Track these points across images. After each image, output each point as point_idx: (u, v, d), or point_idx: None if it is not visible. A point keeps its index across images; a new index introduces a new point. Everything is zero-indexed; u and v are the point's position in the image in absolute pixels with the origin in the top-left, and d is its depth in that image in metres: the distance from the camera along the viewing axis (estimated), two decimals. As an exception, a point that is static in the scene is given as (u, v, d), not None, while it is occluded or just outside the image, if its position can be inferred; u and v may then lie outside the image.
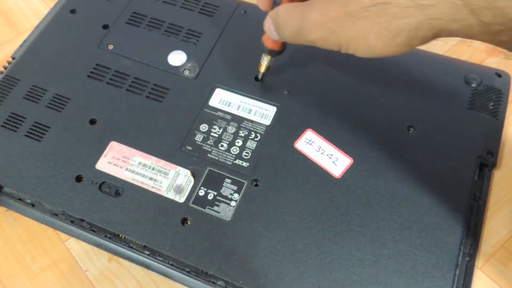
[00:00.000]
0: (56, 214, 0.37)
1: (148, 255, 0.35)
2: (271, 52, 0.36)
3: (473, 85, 0.39)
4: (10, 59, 0.43)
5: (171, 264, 0.35)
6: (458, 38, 0.49)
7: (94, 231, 0.36)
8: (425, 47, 0.43)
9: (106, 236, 0.36)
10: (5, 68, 0.43)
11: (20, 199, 0.38)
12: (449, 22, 0.20)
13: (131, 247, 0.36)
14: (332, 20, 0.24)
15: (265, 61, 0.38)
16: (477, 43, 0.49)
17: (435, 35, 0.22)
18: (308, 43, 0.27)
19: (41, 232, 0.38)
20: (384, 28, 0.22)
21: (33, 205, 0.37)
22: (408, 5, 0.21)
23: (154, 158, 0.37)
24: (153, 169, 0.37)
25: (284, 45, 0.36)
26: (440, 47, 0.48)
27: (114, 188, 0.36)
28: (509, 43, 0.21)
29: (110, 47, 0.43)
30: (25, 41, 0.45)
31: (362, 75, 0.40)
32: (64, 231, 0.37)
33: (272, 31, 0.30)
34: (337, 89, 0.40)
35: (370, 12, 0.22)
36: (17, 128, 0.39)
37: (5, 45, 0.49)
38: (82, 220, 0.36)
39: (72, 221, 0.37)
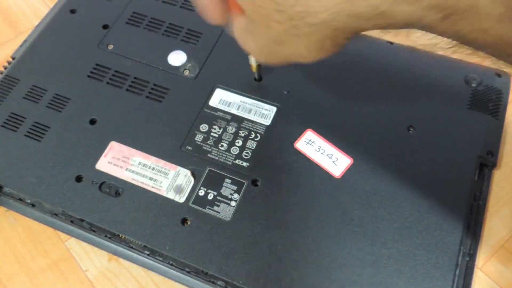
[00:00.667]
0: (56, 214, 0.37)
1: (148, 255, 0.35)
2: None
3: (473, 85, 0.39)
4: (10, 59, 0.43)
5: (171, 264, 0.35)
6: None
7: (94, 231, 0.36)
8: (425, 47, 0.44)
9: (106, 236, 0.36)
10: (5, 68, 0.43)
11: (20, 199, 0.38)
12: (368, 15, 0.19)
13: (131, 247, 0.36)
14: (265, 46, 0.25)
15: (252, 61, 0.38)
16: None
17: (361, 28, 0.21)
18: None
19: (41, 232, 0.38)
20: (309, 43, 0.22)
21: (33, 205, 0.38)
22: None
23: (154, 158, 0.37)
24: (153, 169, 0.37)
25: None
26: (441, 47, 0.48)
27: (114, 188, 0.36)
28: (468, 35, 0.19)
29: (110, 47, 0.43)
30: (25, 41, 0.45)
31: (362, 75, 0.40)
32: (64, 231, 0.37)
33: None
34: (337, 89, 0.40)
35: (290, 35, 0.22)
36: (17, 128, 0.39)
37: (5, 45, 0.49)
38: (82, 220, 0.36)
39: (72, 221, 0.37)
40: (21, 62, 0.43)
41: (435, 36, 0.22)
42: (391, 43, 0.43)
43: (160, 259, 0.35)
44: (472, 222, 0.35)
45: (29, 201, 0.38)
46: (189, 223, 0.35)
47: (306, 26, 0.21)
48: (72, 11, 0.46)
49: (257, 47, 0.25)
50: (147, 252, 0.35)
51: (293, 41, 0.23)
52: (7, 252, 0.38)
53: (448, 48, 0.24)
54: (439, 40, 0.22)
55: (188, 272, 0.34)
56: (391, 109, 0.39)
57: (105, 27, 0.45)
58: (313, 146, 0.37)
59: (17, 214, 0.38)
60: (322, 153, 0.37)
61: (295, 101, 0.40)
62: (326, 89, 0.40)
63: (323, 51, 0.23)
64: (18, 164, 0.37)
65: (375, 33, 0.49)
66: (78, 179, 0.37)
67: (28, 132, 0.39)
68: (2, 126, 0.39)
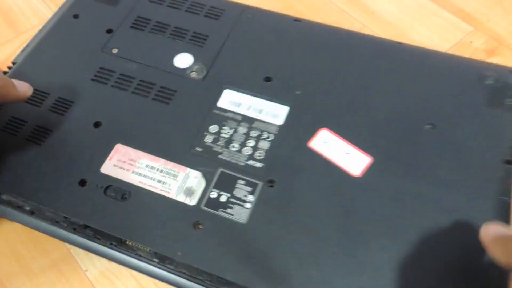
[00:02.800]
0: (57, 222, 0.35)
1: (157, 263, 0.33)
2: None
3: (490, 82, 0.39)
4: (11, 64, 0.42)
5: (183, 273, 0.32)
6: (458, 38, 0.49)
7: (98, 238, 0.34)
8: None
9: (111, 243, 0.33)
10: (5, 73, 0.41)
11: (18, 207, 0.35)
12: None
13: (139, 255, 0.33)
14: None
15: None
16: (477, 43, 0.49)
17: None
18: None
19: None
20: None
21: (32, 213, 0.35)
22: None
23: (162, 160, 0.35)
24: (161, 171, 0.35)
25: None
26: (440, 47, 0.48)
27: (120, 191, 0.34)
28: None
29: (115, 50, 0.42)
30: (27, 46, 0.43)
31: (377, 73, 0.39)
32: (66, 239, 0.35)
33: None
34: (352, 88, 0.39)
35: None
36: (17, 132, 0.37)
37: (5, 45, 0.48)
38: (86, 227, 0.34)
39: (74, 229, 0.34)
40: (23, 66, 0.41)
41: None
42: (400, 43, 0.42)
43: (171, 267, 0.32)
44: (499, 220, 0.33)
45: (28, 208, 0.35)
46: (201, 227, 0.32)
47: None
48: (75, 16, 0.45)
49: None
50: (156, 260, 0.33)
51: None
52: (7, 252, 0.36)
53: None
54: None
55: (201, 280, 0.32)
56: (408, 107, 0.37)
57: (109, 31, 0.44)
58: (328, 145, 0.36)
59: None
60: (338, 152, 0.35)
61: (308, 101, 0.38)
62: (340, 88, 0.39)
63: None
64: (18, 168, 0.35)
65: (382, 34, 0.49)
66: (82, 183, 0.35)
67: (29, 136, 0.37)
68: (2, 130, 0.37)
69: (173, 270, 0.32)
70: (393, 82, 0.39)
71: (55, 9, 0.51)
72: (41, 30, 0.44)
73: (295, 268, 0.31)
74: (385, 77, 0.39)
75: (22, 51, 0.43)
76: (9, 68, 0.42)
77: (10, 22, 0.50)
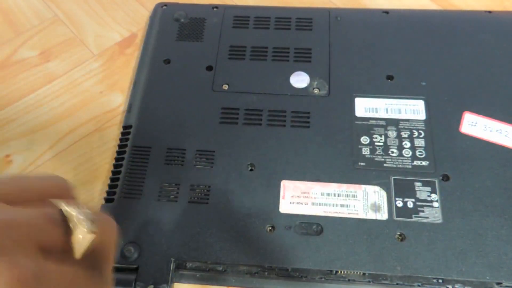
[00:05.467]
0: (255, 273, 0.34)
1: (369, 282, 0.34)
2: None
3: None
4: (123, 130, 0.40)
5: (397, 284, 0.33)
6: None
7: (304, 276, 0.34)
8: None
9: (320, 277, 0.34)
10: (121, 140, 0.39)
11: (206, 270, 0.35)
12: None
13: (348, 280, 0.34)
14: None
15: None
16: None
17: None
18: None
19: None
20: None
21: (223, 271, 0.35)
22: None
23: (333, 185, 0.36)
24: (339, 195, 0.35)
25: None
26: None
27: (310, 226, 0.34)
28: None
29: (225, 87, 0.41)
30: (130, 105, 0.41)
31: (489, 45, 0.41)
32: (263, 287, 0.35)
33: None
34: (473, 65, 0.40)
35: None
36: (176, 196, 0.36)
37: (5, 45, 0.48)
38: (286, 270, 0.34)
39: (276, 274, 0.34)
40: (141, 128, 0.39)
41: None
42: (490, 12, 0.44)
43: (386, 282, 0.33)
44: None
45: (220, 268, 0.35)
46: (405, 236, 0.33)
47: None
48: (167, 61, 0.43)
49: None
50: (368, 280, 0.34)
51: None
52: None
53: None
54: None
55: (419, 286, 0.33)
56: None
57: (209, 68, 0.42)
58: (478, 127, 0.37)
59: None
60: (490, 131, 0.37)
61: (437, 89, 0.39)
62: (462, 69, 0.40)
63: None
64: (198, 234, 0.34)
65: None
66: (270, 228, 0.34)
67: (191, 198, 0.36)
68: (158, 200, 0.36)
69: (389, 283, 0.34)
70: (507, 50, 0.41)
71: (55, 9, 0.51)
72: (135, 83, 0.42)
73: (509, 251, 0.32)
74: (499, 47, 0.41)
75: (128, 112, 0.41)
76: (123, 134, 0.40)
77: (10, 22, 0.50)
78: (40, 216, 0.17)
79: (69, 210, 0.18)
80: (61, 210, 0.18)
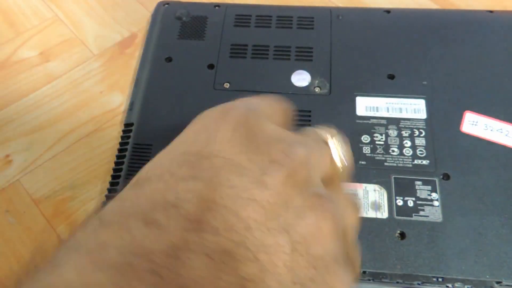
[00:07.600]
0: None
1: (369, 280, 0.34)
2: None
3: None
4: (124, 127, 0.40)
5: (397, 282, 0.33)
6: None
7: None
8: None
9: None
10: (122, 137, 0.39)
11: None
12: None
13: (349, 279, 0.34)
14: None
15: None
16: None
17: None
18: None
19: (41, 232, 0.37)
20: None
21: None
22: None
23: (334, 183, 0.36)
24: (340, 194, 0.35)
25: None
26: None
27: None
28: None
29: (227, 85, 0.41)
30: (132, 103, 0.41)
31: (491, 44, 0.41)
32: None
33: None
34: (474, 64, 0.40)
35: None
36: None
37: (5, 45, 0.48)
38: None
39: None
40: (143, 126, 0.39)
41: None
42: (491, 11, 0.44)
43: (387, 280, 0.34)
44: None
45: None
46: (405, 235, 0.34)
47: None
48: (168, 60, 0.43)
49: None
50: (368, 278, 0.34)
51: None
52: (7, 252, 0.36)
53: None
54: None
55: (419, 284, 0.33)
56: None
57: (211, 67, 0.42)
58: (479, 126, 0.37)
59: (17, 214, 0.38)
60: (491, 130, 0.37)
61: (438, 88, 0.39)
62: (463, 69, 0.40)
63: None
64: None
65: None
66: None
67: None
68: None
69: (389, 282, 0.34)
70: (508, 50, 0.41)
71: (55, 9, 0.51)
72: (137, 81, 0.42)
73: (509, 250, 0.33)
74: (501, 47, 0.41)
75: (130, 109, 0.41)
76: (124, 131, 0.40)
77: (10, 22, 0.50)
78: (322, 148, 0.17)
79: (335, 144, 0.17)
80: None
